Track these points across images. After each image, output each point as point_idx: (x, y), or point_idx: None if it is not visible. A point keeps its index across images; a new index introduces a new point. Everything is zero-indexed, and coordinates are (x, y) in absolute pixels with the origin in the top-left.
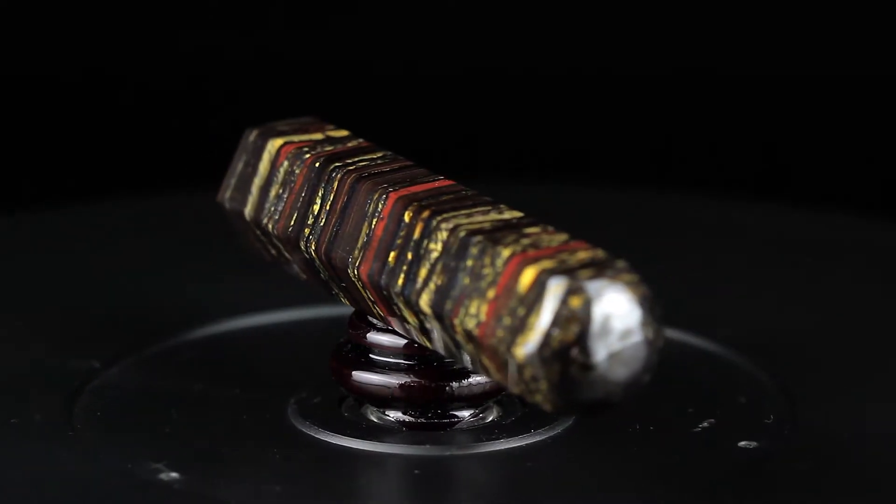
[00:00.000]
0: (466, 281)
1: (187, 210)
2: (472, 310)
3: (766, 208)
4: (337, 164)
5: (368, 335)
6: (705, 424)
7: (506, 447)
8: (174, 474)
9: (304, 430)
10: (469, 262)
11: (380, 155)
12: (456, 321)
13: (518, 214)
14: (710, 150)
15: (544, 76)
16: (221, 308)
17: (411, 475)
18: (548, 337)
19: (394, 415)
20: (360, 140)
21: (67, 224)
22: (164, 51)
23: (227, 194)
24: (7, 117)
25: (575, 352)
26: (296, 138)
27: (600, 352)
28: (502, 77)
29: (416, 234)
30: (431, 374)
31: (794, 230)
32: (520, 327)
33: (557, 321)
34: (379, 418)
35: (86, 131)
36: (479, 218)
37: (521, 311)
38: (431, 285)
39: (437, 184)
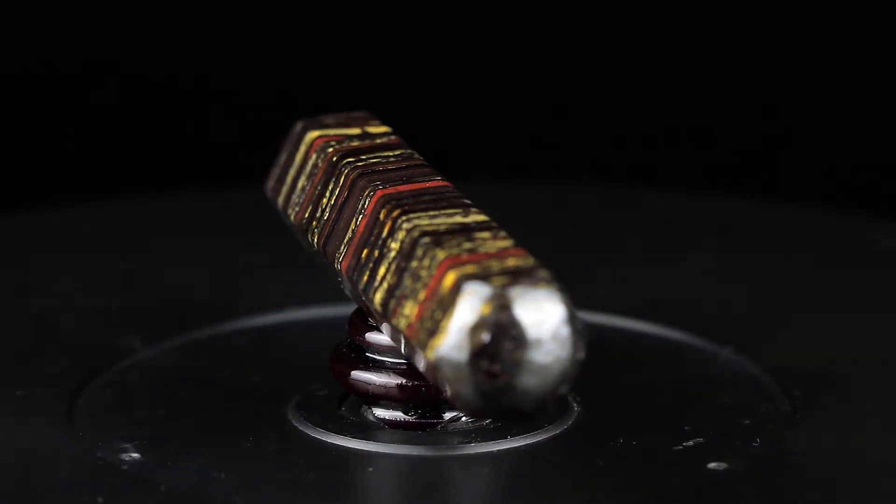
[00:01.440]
0: (408, 282)
1: (187, 210)
2: (406, 310)
3: (767, 208)
4: (350, 159)
5: (367, 335)
6: (690, 443)
7: (505, 447)
8: (171, 472)
9: (303, 429)
10: (414, 264)
11: (397, 153)
12: (394, 321)
13: (482, 218)
14: (710, 150)
15: (544, 75)
16: (222, 308)
17: (411, 475)
18: (457, 341)
19: (393, 414)
20: (393, 137)
21: (77, 221)
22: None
23: (270, 184)
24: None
25: (483, 358)
26: (332, 132)
27: (509, 360)
28: (503, 77)
29: (385, 233)
30: None
31: (794, 230)
32: (434, 330)
33: (467, 326)
34: (379, 418)
35: (116, 126)
36: (441, 220)
37: (437, 314)
38: (385, 284)
39: (428, 184)
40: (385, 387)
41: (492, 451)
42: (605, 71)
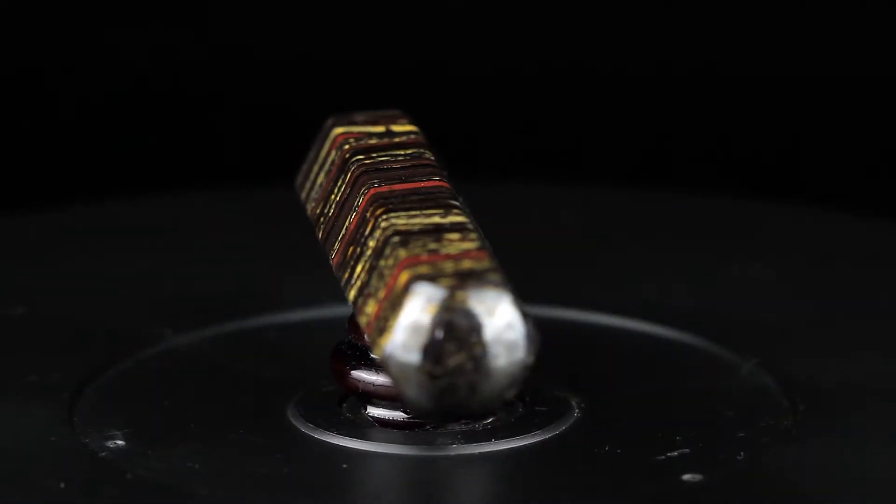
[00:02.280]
0: (375, 280)
1: (186, 210)
2: (368, 308)
3: (767, 208)
4: (360, 156)
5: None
6: (675, 454)
7: (505, 447)
8: (147, 460)
9: (303, 429)
10: (381, 262)
11: (409, 152)
12: (359, 319)
13: (460, 220)
14: (710, 149)
15: (544, 75)
16: (222, 308)
17: (411, 475)
18: (402, 341)
19: (390, 414)
20: (414, 137)
21: (68, 221)
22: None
23: (298, 180)
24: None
25: (427, 359)
26: (356, 129)
27: (452, 362)
28: (503, 77)
29: (367, 231)
30: None
31: (793, 230)
32: (383, 328)
33: (412, 326)
34: (373, 417)
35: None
36: (418, 220)
37: (388, 313)
38: (358, 282)
39: (424, 184)
40: (383, 386)
41: (476, 453)
42: (604, 70)
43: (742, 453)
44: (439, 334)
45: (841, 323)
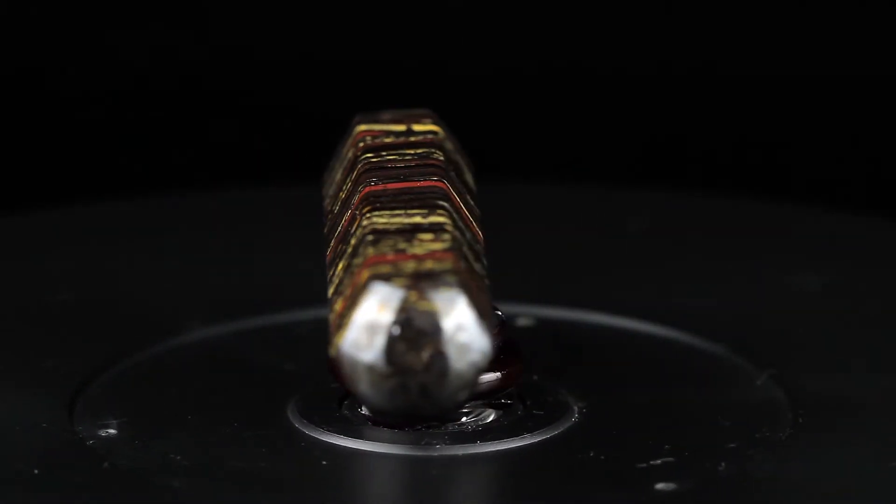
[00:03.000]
0: (347, 279)
1: (186, 210)
2: (336, 306)
3: (767, 208)
4: (370, 154)
5: None
6: (658, 462)
7: (505, 447)
8: (131, 450)
9: (303, 429)
10: (354, 261)
11: (419, 151)
12: (329, 315)
13: (441, 220)
14: (709, 149)
15: (543, 74)
16: (223, 308)
17: (411, 475)
18: (354, 339)
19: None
20: (432, 136)
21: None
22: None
23: (324, 175)
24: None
25: (375, 358)
26: (377, 127)
27: (402, 361)
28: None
29: (353, 229)
30: None
31: (793, 230)
32: (341, 325)
33: (364, 324)
34: (371, 416)
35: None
36: (399, 219)
37: (347, 311)
38: (336, 280)
39: (420, 183)
40: None
41: (460, 454)
42: (605, 70)
43: (723, 464)
44: (389, 334)
45: (869, 337)
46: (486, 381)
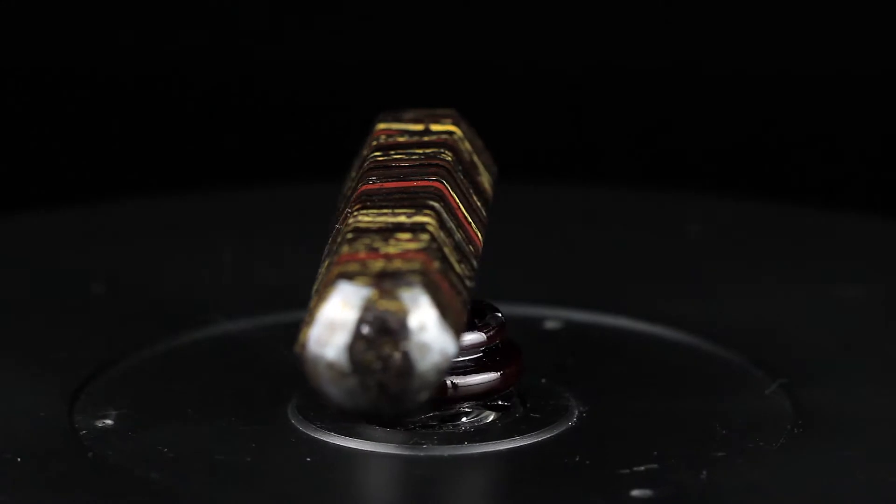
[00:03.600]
0: (324, 276)
1: (180, 210)
2: (312, 303)
3: (767, 208)
4: (378, 153)
5: None
6: (641, 469)
7: (505, 447)
8: (121, 441)
9: (303, 429)
10: (333, 258)
11: (427, 151)
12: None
13: (424, 220)
14: (709, 149)
15: (544, 73)
16: (224, 307)
17: (411, 475)
18: (315, 336)
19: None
20: (447, 136)
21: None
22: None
23: (350, 173)
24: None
25: (335, 356)
26: (396, 126)
27: (359, 360)
28: (505, 73)
29: (342, 226)
30: None
31: (793, 230)
32: (308, 322)
33: (325, 322)
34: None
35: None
36: (383, 218)
37: (315, 308)
38: (319, 277)
39: (416, 183)
40: None
41: (445, 455)
42: (604, 70)
43: (705, 472)
44: (350, 332)
45: (890, 351)
46: (485, 381)
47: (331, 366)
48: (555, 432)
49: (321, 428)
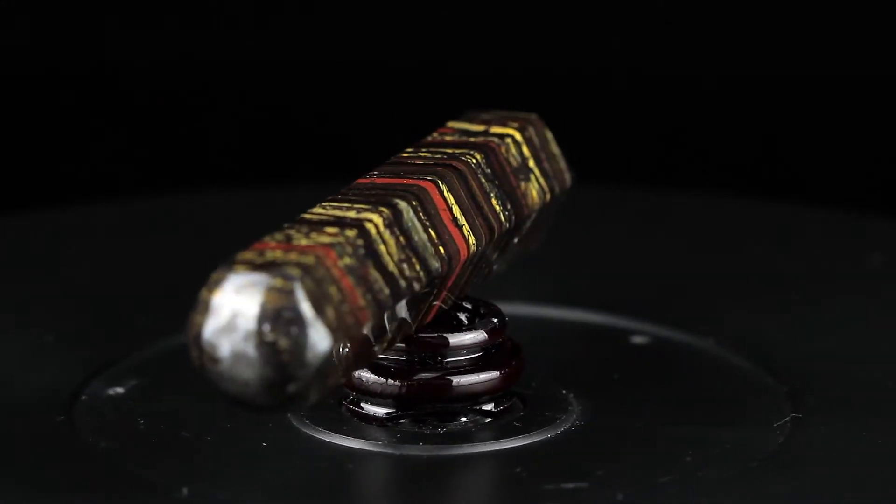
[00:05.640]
0: None
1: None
2: None
3: (767, 208)
4: (410, 149)
5: None
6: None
7: (506, 447)
8: (120, 413)
9: (303, 429)
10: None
11: (455, 152)
12: None
13: (370, 216)
14: (709, 149)
15: (544, 73)
16: None
17: (411, 475)
18: (191, 321)
19: (375, 410)
20: (496, 140)
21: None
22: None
23: None
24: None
25: (203, 340)
26: (459, 125)
27: (223, 346)
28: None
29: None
30: (433, 371)
31: (793, 229)
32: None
33: (199, 307)
34: (356, 411)
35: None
36: (338, 212)
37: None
38: None
39: (408, 181)
40: (382, 384)
41: (508, 448)
42: (604, 70)
43: (667, 477)
44: (210, 316)
45: None
46: (484, 380)
47: (192, 348)
48: (548, 435)
49: (321, 428)
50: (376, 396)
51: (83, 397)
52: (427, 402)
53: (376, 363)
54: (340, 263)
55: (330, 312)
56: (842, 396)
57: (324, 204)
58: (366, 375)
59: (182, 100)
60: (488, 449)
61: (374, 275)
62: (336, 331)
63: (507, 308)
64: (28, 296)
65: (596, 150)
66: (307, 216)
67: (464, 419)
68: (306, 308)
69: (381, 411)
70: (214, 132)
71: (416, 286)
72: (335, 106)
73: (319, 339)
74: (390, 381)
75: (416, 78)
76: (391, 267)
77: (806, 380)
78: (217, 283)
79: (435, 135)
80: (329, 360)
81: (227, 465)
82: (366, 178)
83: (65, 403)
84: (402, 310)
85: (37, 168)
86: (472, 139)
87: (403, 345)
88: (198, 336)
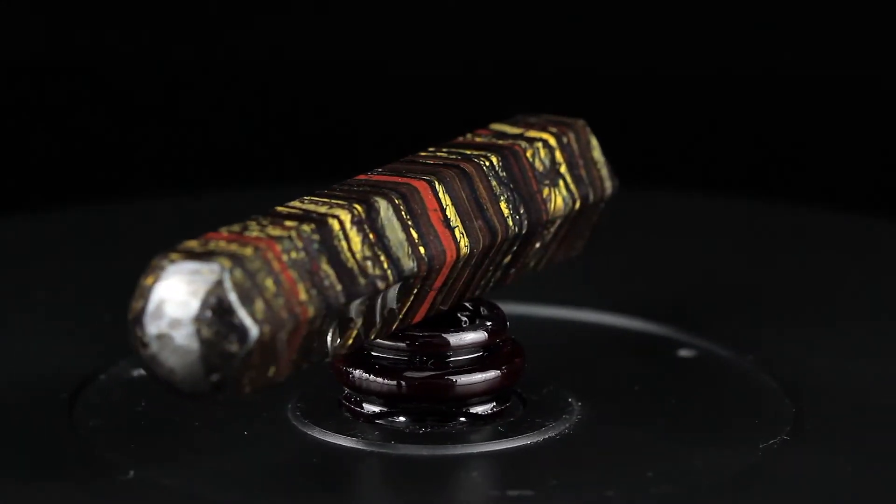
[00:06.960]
0: None
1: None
2: None
3: (766, 208)
4: (432, 148)
5: None
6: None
7: (506, 447)
8: (120, 393)
9: (303, 429)
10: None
11: (470, 153)
12: None
13: (338, 213)
14: (710, 149)
15: (545, 73)
16: None
17: (411, 474)
18: (131, 306)
19: (369, 408)
20: (525, 145)
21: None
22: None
23: None
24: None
25: (135, 325)
26: (499, 127)
27: (151, 332)
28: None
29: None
30: (433, 371)
31: (791, 230)
32: None
33: (136, 293)
34: (352, 409)
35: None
36: (311, 206)
37: None
38: None
39: (402, 179)
40: (382, 385)
41: (509, 448)
42: (605, 70)
43: (613, 491)
44: (145, 303)
45: None
46: (484, 379)
47: (132, 332)
48: (544, 437)
49: (321, 428)
50: (376, 396)
51: (101, 376)
52: (427, 402)
53: (377, 363)
54: (284, 257)
55: (259, 304)
56: (849, 423)
57: (305, 198)
58: (366, 375)
59: (185, 100)
60: (489, 449)
61: (327, 270)
62: (264, 323)
63: (544, 311)
64: (29, 295)
65: (635, 153)
66: (280, 209)
67: (461, 419)
68: (233, 298)
69: (378, 410)
70: (214, 132)
71: (381, 284)
72: (342, 107)
73: (244, 330)
74: (390, 382)
75: (453, 81)
76: (350, 263)
77: (818, 403)
78: (152, 270)
79: (469, 135)
80: (262, 351)
81: (226, 465)
82: (371, 173)
83: (74, 385)
84: (392, 300)
85: (35, 168)
86: (500, 141)
87: (404, 344)
88: (132, 320)
